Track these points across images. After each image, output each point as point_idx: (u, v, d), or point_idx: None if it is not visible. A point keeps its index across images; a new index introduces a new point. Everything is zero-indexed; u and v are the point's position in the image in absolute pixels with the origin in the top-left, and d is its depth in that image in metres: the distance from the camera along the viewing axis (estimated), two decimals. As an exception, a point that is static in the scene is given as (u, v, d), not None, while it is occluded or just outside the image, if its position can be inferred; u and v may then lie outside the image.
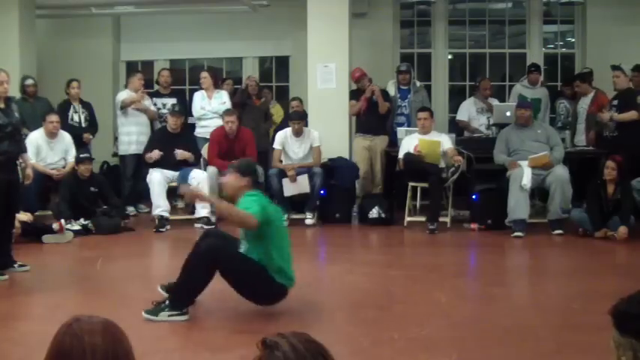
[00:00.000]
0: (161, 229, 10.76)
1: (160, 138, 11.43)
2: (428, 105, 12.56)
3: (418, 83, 12.93)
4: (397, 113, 12.43)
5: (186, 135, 11.65)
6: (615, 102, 11.15)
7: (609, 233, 9.81)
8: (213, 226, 10.83)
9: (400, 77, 12.56)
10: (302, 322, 5.98)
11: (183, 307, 6.22)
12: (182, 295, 6.26)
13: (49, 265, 8.94)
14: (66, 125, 11.69)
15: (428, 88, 14.59)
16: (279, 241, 6.33)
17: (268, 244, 6.20)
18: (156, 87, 13.20)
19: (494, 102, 12.54)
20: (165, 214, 10.93)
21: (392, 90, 12.45)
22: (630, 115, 10.89)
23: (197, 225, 10.94)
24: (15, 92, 12.19)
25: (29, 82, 12.25)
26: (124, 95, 12.30)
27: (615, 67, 11.31)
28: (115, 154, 13.56)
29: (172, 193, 11.36)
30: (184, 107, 12.39)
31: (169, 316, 6.15)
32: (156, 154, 11.11)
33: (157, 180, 10.96)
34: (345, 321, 6.41)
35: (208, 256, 6.15)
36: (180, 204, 12.19)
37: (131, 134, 12.12)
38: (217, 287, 7.88)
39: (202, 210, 10.95)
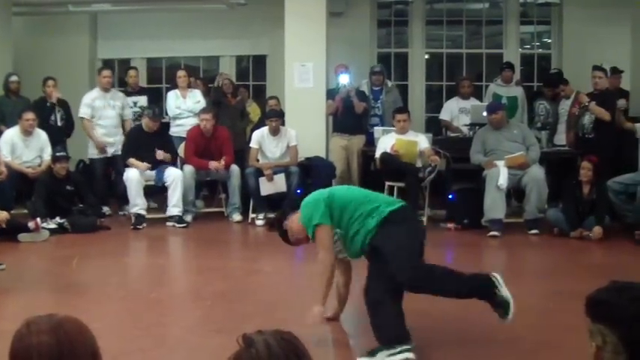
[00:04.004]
0: (138, 227, 10.74)
1: (137, 138, 11.36)
2: (401, 104, 12.59)
3: (390, 83, 12.96)
4: (371, 114, 12.44)
5: (162, 134, 11.60)
6: (593, 103, 11.19)
7: (585, 233, 9.86)
8: (185, 225, 10.86)
9: (374, 78, 12.57)
10: (278, 322, 5.96)
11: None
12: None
13: (24, 263, 8.91)
14: (43, 124, 11.59)
15: (405, 88, 14.64)
16: (346, 207, 5.69)
17: (344, 220, 5.67)
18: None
19: (473, 102, 12.58)
20: (143, 212, 10.91)
21: (366, 90, 12.45)
22: (603, 112, 10.91)
23: (169, 223, 10.95)
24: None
25: (13, 78, 12.24)
26: (93, 95, 12.09)
27: (597, 68, 11.37)
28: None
29: (149, 193, 11.30)
30: (159, 107, 12.29)
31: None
32: (144, 166, 11.10)
33: (135, 178, 10.93)
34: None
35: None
36: (154, 204, 12.10)
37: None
38: (194, 286, 7.89)
39: (174, 209, 10.98)
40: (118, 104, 12.06)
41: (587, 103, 11.07)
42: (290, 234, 5.98)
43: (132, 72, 13.03)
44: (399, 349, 5.22)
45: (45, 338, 2.17)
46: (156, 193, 11.58)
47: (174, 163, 11.42)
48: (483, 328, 6.00)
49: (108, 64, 15.06)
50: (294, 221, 5.89)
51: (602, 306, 2.43)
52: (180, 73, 12.50)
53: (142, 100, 12.53)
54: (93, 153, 12.06)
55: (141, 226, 10.78)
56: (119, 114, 12.09)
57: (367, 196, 5.79)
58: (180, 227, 10.85)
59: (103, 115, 11.95)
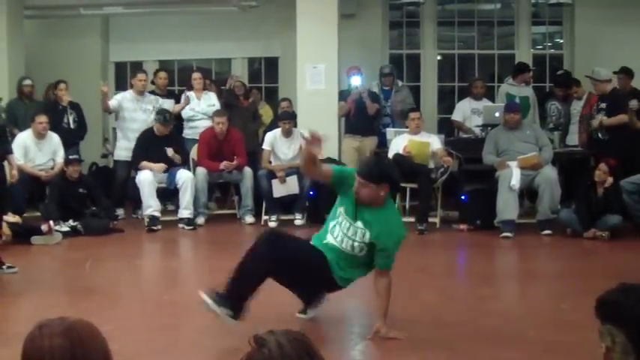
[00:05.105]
0: (154, 228, 10.76)
1: (148, 141, 11.34)
2: (413, 102, 12.60)
3: (400, 83, 12.97)
4: (383, 114, 12.44)
5: (173, 137, 11.57)
6: (603, 105, 11.19)
7: (597, 233, 9.84)
8: (194, 227, 10.88)
9: (384, 80, 12.59)
10: (290, 324, 5.97)
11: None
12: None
13: (37, 266, 8.93)
14: (55, 127, 11.60)
15: (417, 89, 14.61)
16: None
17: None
18: (150, 87, 12.94)
19: (485, 103, 12.55)
20: (157, 214, 10.91)
21: (376, 91, 12.45)
22: (619, 118, 10.95)
23: (180, 225, 10.97)
24: (4, 92, 12.20)
25: (27, 82, 12.28)
26: (126, 96, 12.06)
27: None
28: (104, 156, 13.51)
29: (161, 195, 11.30)
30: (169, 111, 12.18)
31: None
32: (159, 167, 11.14)
33: (148, 180, 10.94)
34: (334, 321, 6.41)
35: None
36: (170, 206, 12.12)
37: (127, 140, 11.84)
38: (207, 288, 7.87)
39: (184, 211, 11.00)
40: (149, 108, 11.96)
41: (599, 125, 11.09)
42: (368, 194, 5.68)
43: (162, 74, 12.83)
44: None
45: (58, 341, 2.17)
46: (168, 195, 11.60)
47: (186, 165, 11.41)
48: (495, 328, 5.99)
49: (120, 66, 15.12)
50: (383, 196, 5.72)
51: (610, 306, 2.46)
52: (196, 75, 12.50)
53: (169, 104, 12.41)
54: (119, 155, 12.04)
55: (156, 228, 10.80)
56: (151, 117, 11.81)
57: None
58: (189, 229, 10.88)
59: (133, 118, 11.89)
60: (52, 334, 2.18)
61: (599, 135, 11.20)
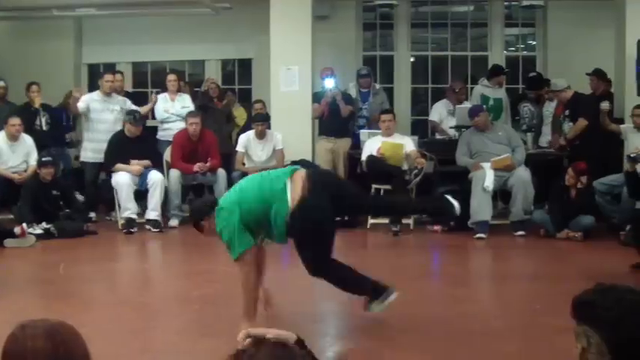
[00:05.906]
0: (131, 230, 10.72)
1: (119, 144, 11.26)
2: (388, 106, 12.62)
3: (377, 86, 12.99)
4: (358, 116, 12.46)
5: (144, 139, 11.52)
6: (567, 112, 11.28)
7: (571, 234, 9.91)
8: (160, 230, 10.86)
9: (361, 81, 12.58)
10: (265, 326, 5.96)
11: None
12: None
13: (11, 269, 8.86)
14: (28, 129, 11.54)
15: (390, 91, 14.64)
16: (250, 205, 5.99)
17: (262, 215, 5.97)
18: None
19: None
20: (134, 216, 10.88)
21: (353, 93, 12.47)
22: (579, 124, 11.00)
23: (147, 227, 10.95)
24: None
25: (0, 84, 12.20)
26: (93, 97, 11.89)
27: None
28: (77, 158, 13.45)
29: (136, 197, 11.26)
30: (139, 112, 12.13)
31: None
32: (136, 168, 11.11)
33: (125, 183, 10.89)
34: (310, 325, 6.41)
35: None
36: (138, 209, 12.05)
37: (94, 141, 11.75)
38: (182, 291, 7.87)
39: (151, 212, 10.98)
40: (117, 109, 11.83)
41: (566, 141, 11.20)
42: (206, 232, 6.21)
43: (118, 76, 12.84)
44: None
45: (40, 342, 2.17)
46: (140, 197, 11.55)
47: (157, 167, 11.32)
48: (469, 329, 6.02)
49: (93, 68, 15.06)
50: (212, 225, 6.08)
51: (586, 307, 2.46)
52: (171, 77, 12.44)
53: (127, 103, 12.36)
54: (86, 156, 11.97)
55: (133, 230, 10.76)
56: (118, 119, 11.75)
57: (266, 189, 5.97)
58: (155, 232, 10.86)
59: (101, 119, 11.76)
60: (35, 335, 2.18)
61: (568, 149, 11.29)
